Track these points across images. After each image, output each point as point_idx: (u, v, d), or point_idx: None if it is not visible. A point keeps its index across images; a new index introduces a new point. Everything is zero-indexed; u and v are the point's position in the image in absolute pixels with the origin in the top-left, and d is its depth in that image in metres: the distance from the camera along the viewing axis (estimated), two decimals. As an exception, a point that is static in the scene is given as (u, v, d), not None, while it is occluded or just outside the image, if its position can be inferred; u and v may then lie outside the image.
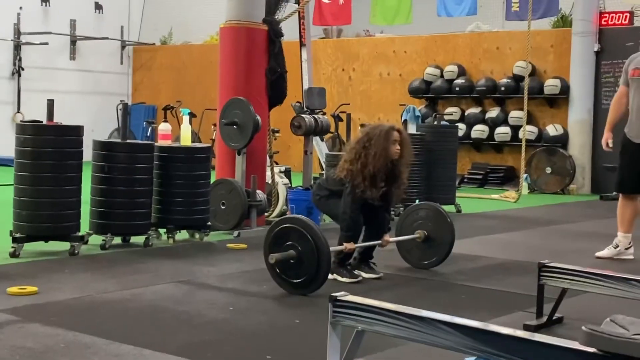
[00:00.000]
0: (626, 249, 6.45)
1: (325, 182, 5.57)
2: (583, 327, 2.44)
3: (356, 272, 5.44)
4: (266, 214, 7.82)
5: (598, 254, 6.48)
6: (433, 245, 5.77)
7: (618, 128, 6.48)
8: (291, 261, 4.80)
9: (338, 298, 2.93)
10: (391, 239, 5.57)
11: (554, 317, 4.22)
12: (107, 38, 17.00)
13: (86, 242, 6.14)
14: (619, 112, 6.47)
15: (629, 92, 6.33)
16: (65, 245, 5.92)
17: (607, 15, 12.87)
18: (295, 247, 4.79)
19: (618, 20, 12.69)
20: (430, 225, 5.77)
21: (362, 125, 10.93)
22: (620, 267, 5.90)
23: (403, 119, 12.61)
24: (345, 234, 5.27)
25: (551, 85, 13.05)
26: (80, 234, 5.98)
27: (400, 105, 13.76)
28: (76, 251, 5.87)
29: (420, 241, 5.78)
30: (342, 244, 5.24)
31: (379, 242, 5.45)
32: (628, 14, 12.67)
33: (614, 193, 6.56)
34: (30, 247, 5.90)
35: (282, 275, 4.86)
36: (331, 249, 4.89)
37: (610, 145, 6.47)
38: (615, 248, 6.45)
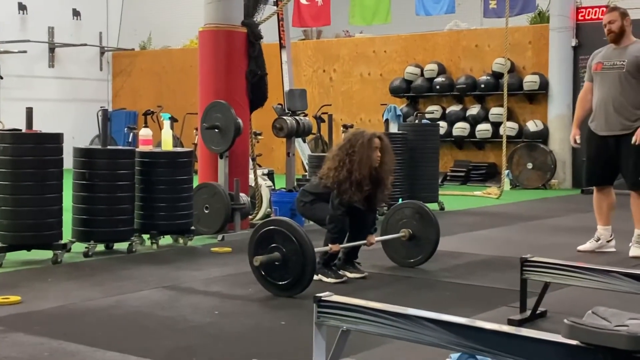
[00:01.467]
0: (607, 241, 6.51)
1: (310, 187, 5.59)
2: (565, 320, 2.46)
3: (341, 272, 5.45)
4: (250, 216, 7.81)
5: (580, 247, 6.53)
6: (418, 243, 5.79)
7: (585, 124, 6.55)
8: (276, 263, 4.80)
9: (322, 298, 2.93)
10: (376, 239, 5.59)
11: (538, 311, 4.24)
12: (85, 44, 16.93)
13: (69, 250, 6.11)
14: (585, 108, 6.54)
15: (593, 86, 6.41)
16: (48, 254, 5.89)
17: (583, 10, 12.96)
18: (279, 249, 4.80)
19: (595, 15, 12.78)
20: (415, 224, 5.79)
21: (344, 127, 11.00)
22: (602, 260, 5.95)
23: (385, 119, 12.60)
24: (331, 235, 5.28)
25: (530, 81, 13.13)
26: (62, 242, 5.96)
27: (382, 104, 13.79)
28: (59, 259, 5.85)
29: (405, 240, 5.80)
30: (328, 245, 5.26)
31: (364, 242, 5.47)
32: (604, 9, 12.71)
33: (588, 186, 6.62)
34: (12, 256, 5.87)
35: (267, 277, 4.86)
36: (316, 250, 4.90)
37: (578, 141, 6.55)
38: (596, 241, 6.50)
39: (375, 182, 5.33)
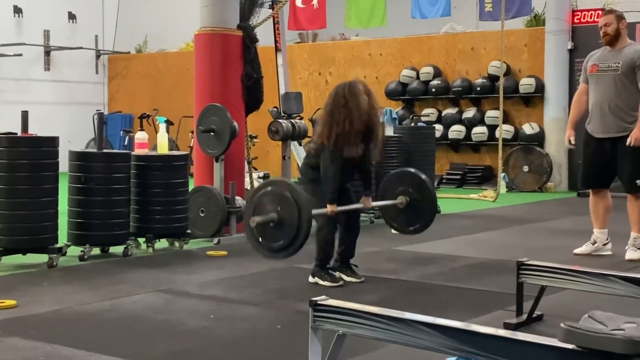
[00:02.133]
0: (604, 244, 6.51)
1: (307, 158, 5.50)
2: (562, 324, 2.45)
3: (337, 274, 5.45)
4: (246, 220, 7.79)
5: (576, 251, 6.53)
6: (416, 210, 5.76)
7: (580, 125, 6.55)
8: (271, 224, 4.74)
9: (318, 302, 2.93)
10: (373, 203, 5.54)
11: (534, 315, 4.24)
12: (81, 48, 16.89)
13: (64, 254, 6.09)
14: (580, 109, 6.55)
15: (589, 88, 6.42)
16: (43, 258, 5.87)
17: (579, 13, 12.98)
18: (276, 210, 4.74)
19: (591, 18, 12.80)
20: (412, 192, 5.76)
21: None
22: (599, 263, 5.94)
23: (380, 121, 12.63)
24: (330, 194, 5.18)
25: (526, 84, 13.14)
26: (58, 245, 5.94)
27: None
28: (54, 263, 5.83)
29: (402, 207, 5.77)
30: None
31: (360, 205, 5.44)
32: (600, 12, 12.75)
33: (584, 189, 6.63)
34: (7, 260, 5.85)
35: (261, 240, 4.79)
36: (314, 211, 4.85)
37: (573, 142, 6.55)
38: (592, 244, 6.50)
39: (367, 134, 5.23)
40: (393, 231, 7.81)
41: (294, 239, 4.70)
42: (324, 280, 5.26)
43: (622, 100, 6.21)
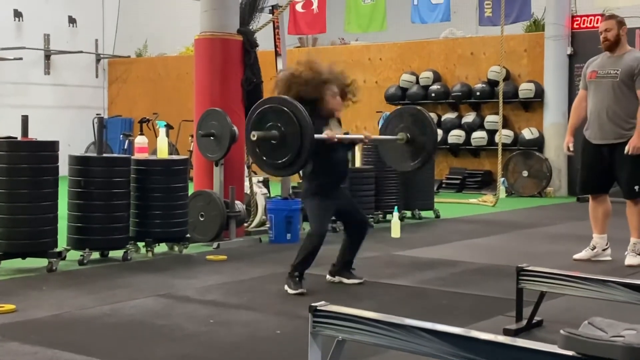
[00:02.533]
0: (603, 250, 6.51)
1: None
2: (561, 331, 2.45)
3: (337, 278, 5.45)
4: (245, 224, 7.80)
5: (576, 256, 6.53)
6: (416, 147, 5.76)
7: (579, 132, 6.56)
8: (272, 142, 4.75)
9: (318, 308, 2.93)
10: (373, 137, 5.55)
11: (534, 321, 4.24)
12: (81, 52, 16.92)
13: (64, 258, 6.09)
14: (579, 116, 6.55)
15: (588, 94, 6.42)
16: (42, 262, 5.87)
17: (579, 18, 13.00)
18: (278, 128, 4.74)
19: (590, 23, 12.82)
20: (413, 129, 5.76)
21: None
22: (598, 269, 5.95)
23: (380, 126, 12.65)
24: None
25: (526, 89, 13.15)
26: (57, 250, 5.94)
27: (377, 112, 13.81)
28: (54, 267, 5.83)
29: (402, 143, 5.77)
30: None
31: (361, 136, 5.42)
32: (600, 17, 12.78)
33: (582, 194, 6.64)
34: (7, 264, 5.85)
35: (263, 156, 4.83)
36: (316, 136, 4.85)
37: (572, 148, 6.55)
38: (592, 250, 6.50)
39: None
40: (393, 234, 7.82)
41: (299, 152, 4.69)
42: (288, 287, 5.16)
43: (620, 107, 6.21)
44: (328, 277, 5.51)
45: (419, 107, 5.98)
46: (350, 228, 5.48)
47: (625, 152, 6.09)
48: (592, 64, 6.48)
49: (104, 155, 6.47)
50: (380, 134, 5.93)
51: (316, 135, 4.89)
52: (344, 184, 5.58)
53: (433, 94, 13.96)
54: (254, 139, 4.75)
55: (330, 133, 5.08)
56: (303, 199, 5.48)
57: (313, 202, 5.28)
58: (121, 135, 15.76)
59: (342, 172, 5.45)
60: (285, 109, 4.76)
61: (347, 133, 5.51)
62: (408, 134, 5.73)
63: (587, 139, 6.40)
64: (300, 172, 5.46)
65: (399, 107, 6.15)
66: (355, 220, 5.47)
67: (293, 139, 4.72)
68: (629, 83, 6.19)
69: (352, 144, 5.54)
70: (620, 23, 6.34)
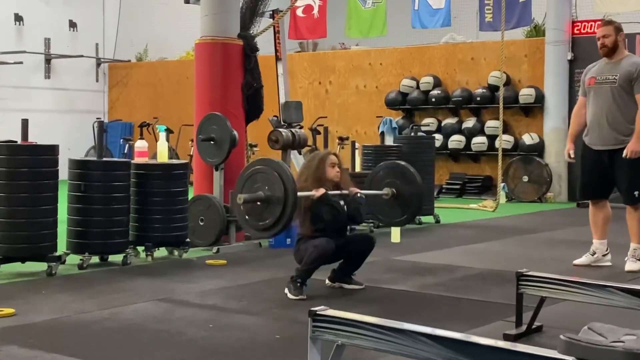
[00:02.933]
0: (603, 255, 6.50)
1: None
2: (561, 336, 2.45)
3: (337, 284, 5.45)
4: (245, 229, 7.80)
5: (576, 261, 6.52)
6: (403, 202, 5.80)
7: (580, 138, 6.55)
8: (258, 203, 4.86)
9: (318, 312, 2.92)
10: (360, 192, 5.56)
11: (534, 326, 4.23)
12: (82, 56, 16.92)
13: (63, 262, 6.08)
14: (579, 123, 6.54)
15: (587, 101, 6.42)
16: (42, 266, 5.87)
17: (579, 23, 13.01)
18: (263, 189, 4.86)
19: (590, 29, 12.81)
20: (398, 183, 5.79)
21: (340, 139, 10.98)
22: (598, 274, 5.94)
23: (380, 131, 12.64)
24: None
25: (526, 94, 13.15)
26: (57, 254, 5.94)
27: (377, 117, 13.81)
28: (53, 271, 5.82)
29: (388, 198, 5.79)
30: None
31: (346, 191, 5.43)
32: (600, 22, 12.79)
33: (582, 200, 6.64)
34: (6, 268, 5.84)
35: (248, 218, 4.95)
36: (300, 194, 4.96)
37: (572, 156, 6.54)
38: (592, 255, 6.49)
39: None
40: (393, 239, 7.82)
41: (279, 217, 4.81)
42: (289, 291, 5.17)
43: (619, 113, 6.21)
44: (328, 282, 5.50)
45: (403, 163, 6.04)
46: (351, 256, 5.46)
47: (624, 155, 6.08)
48: (590, 70, 6.48)
49: (104, 159, 6.48)
50: (365, 187, 5.97)
51: (304, 193, 5.06)
52: (343, 236, 5.51)
53: (433, 99, 13.96)
54: (240, 202, 4.90)
55: (316, 193, 5.19)
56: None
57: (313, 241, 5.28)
58: (121, 140, 15.75)
59: (338, 222, 5.42)
60: (275, 172, 4.88)
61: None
62: (394, 189, 5.77)
63: (587, 144, 6.40)
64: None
65: (382, 163, 6.20)
66: (356, 249, 5.47)
67: (277, 202, 4.85)
68: (627, 88, 6.19)
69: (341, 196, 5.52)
70: (618, 29, 6.34)
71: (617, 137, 6.21)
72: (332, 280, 5.49)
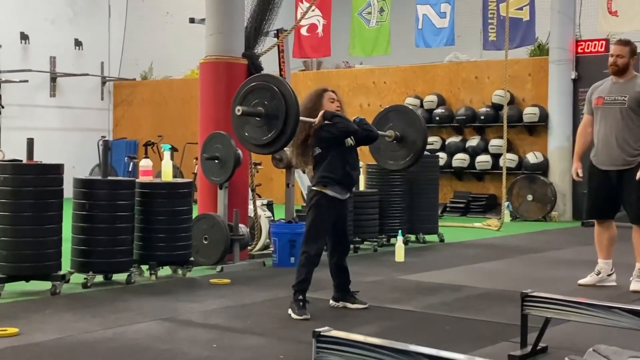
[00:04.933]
0: (608, 275, 6.48)
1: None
2: (566, 358, 2.44)
3: (341, 303, 5.44)
4: (249, 247, 7.79)
5: (580, 281, 6.50)
6: (405, 145, 5.77)
7: (586, 156, 6.55)
8: (257, 119, 4.78)
9: (322, 334, 2.92)
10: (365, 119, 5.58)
11: (539, 347, 4.21)
12: (87, 74, 17.01)
13: (68, 281, 6.08)
14: (585, 142, 6.54)
15: (594, 120, 6.41)
16: (46, 285, 5.86)
17: (583, 43, 13.04)
18: (264, 105, 4.77)
19: (594, 48, 12.86)
20: (402, 126, 5.77)
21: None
22: (603, 294, 5.92)
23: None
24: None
25: (530, 113, 13.17)
26: (61, 272, 5.94)
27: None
28: (57, 290, 5.82)
29: (391, 140, 5.75)
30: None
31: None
32: (604, 42, 12.84)
33: (589, 219, 6.61)
34: (10, 287, 5.84)
35: (247, 134, 4.87)
36: (302, 118, 4.89)
37: (580, 175, 6.53)
38: (597, 275, 6.47)
39: None
40: (397, 258, 7.80)
41: (280, 133, 4.72)
42: (292, 311, 5.15)
43: (629, 134, 6.20)
44: (332, 302, 5.49)
45: (405, 105, 6.03)
46: (333, 245, 5.46)
47: (638, 177, 6.06)
48: (597, 89, 6.46)
49: (109, 178, 6.49)
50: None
51: (306, 119, 4.95)
52: (351, 194, 5.55)
53: (437, 118, 13.98)
54: (239, 113, 4.76)
55: (319, 119, 5.12)
56: (308, 205, 5.44)
57: (315, 213, 5.27)
58: (126, 158, 15.80)
59: (353, 174, 5.38)
60: (273, 85, 4.78)
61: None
62: (397, 132, 5.71)
63: (595, 164, 6.38)
64: (312, 167, 5.41)
65: (385, 107, 6.12)
66: (340, 242, 5.47)
67: (277, 115, 4.73)
68: (636, 109, 6.19)
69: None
70: (633, 52, 6.31)
71: (625, 158, 6.20)
72: (335, 300, 5.48)
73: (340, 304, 5.44)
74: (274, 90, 4.76)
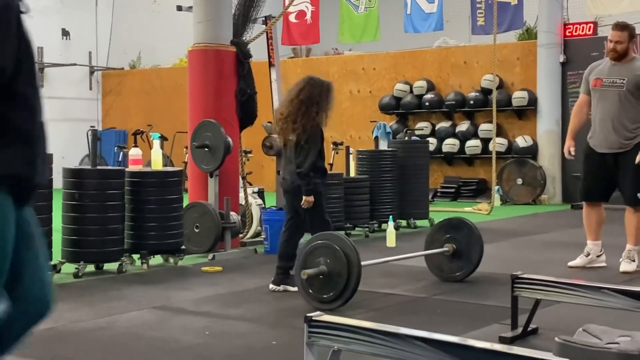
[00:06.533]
0: (597, 256, 6.50)
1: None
2: (556, 338, 2.46)
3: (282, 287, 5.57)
4: (240, 235, 7.80)
5: (570, 263, 6.53)
6: (462, 258, 5.90)
7: (579, 136, 6.56)
8: (320, 277, 4.88)
9: (313, 318, 2.92)
10: (421, 253, 5.91)
11: (529, 328, 4.24)
12: (75, 64, 16.92)
13: (59, 271, 6.08)
14: (580, 120, 6.54)
15: (592, 101, 6.40)
16: (37, 275, 5.84)
17: (571, 26, 13.05)
18: (326, 263, 4.90)
19: (582, 31, 12.87)
20: (459, 239, 5.89)
21: (334, 144, 10.99)
22: (593, 276, 5.95)
23: (374, 136, 12.66)
24: (307, 188, 5.41)
25: (519, 97, 13.19)
26: (52, 262, 5.93)
27: (371, 122, 13.83)
28: (49, 280, 5.81)
29: (449, 255, 5.88)
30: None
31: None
32: (592, 25, 12.87)
33: (582, 202, 6.61)
34: (2, 278, 5.82)
35: (310, 290, 4.96)
36: (363, 263, 4.99)
37: (572, 153, 6.53)
38: (586, 257, 6.50)
39: None
40: (388, 244, 7.82)
41: (342, 291, 4.85)
42: (294, 286, 5.28)
43: (627, 117, 6.19)
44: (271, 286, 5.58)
45: (465, 219, 6.11)
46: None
47: (637, 162, 6.06)
48: (595, 69, 6.40)
49: (98, 167, 6.47)
50: (426, 244, 6.11)
51: (365, 262, 5.12)
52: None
53: (427, 103, 13.99)
54: (304, 277, 4.91)
55: (307, 199, 5.43)
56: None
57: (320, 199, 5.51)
58: (115, 148, 15.73)
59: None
60: (335, 246, 4.93)
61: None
62: (454, 245, 5.84)
63: (592, 147, 6.38)
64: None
65: (445, 219, 6.23)
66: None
67: (340, 274, 4.89)
68: (635, 93, 6.17)
69: None
70: (632, 36, 6.25)
71: (622, 141, 6.20)
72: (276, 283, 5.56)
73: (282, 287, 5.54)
74: (335, 250, 4.94)
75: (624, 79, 6.19)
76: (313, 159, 5.37)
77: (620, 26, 6.33)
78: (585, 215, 6.52)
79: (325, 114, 5.45)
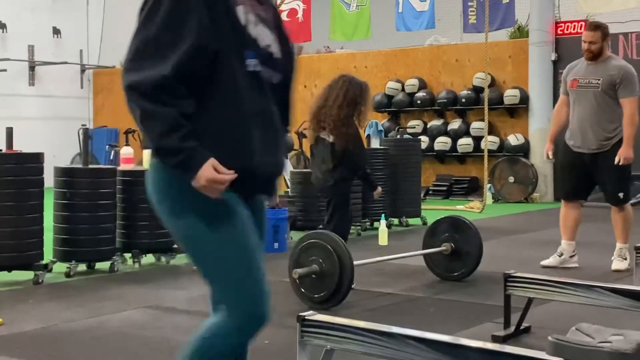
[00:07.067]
0: (570, 257, 6.46)
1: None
2: (549, 337, 2.46)
3: None
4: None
5: (543, 262, 6.50)
6: (460, 257, 5.90)
7: (560, 137, 6.57)
8: (313, 276, 4.89)
9: (306, 317, 2.92)
10: (419, 252, 5.98)
11: (522, 327, 4.25)
12: (66, 62, 16.86)
13: (50, 271, 6.05)
14: (560, 122, 6.54)
15: (569, 101, 6.40)
16: (29, 275, 5.83)
17: (562, 24, 13.08)
18: (318, 262, 4.90)
19: (574, 29, 12.90)
20: (457, 238, 5.89)
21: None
22: (585, 274, 5.96)
23: (366, 134, 12.66)
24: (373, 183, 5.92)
25: (511, 95, 13.21)
26: (44, 262, 5.91)
27: (363, 120, 13.82)
28: (40, 280, 5.79)
29: (447, 254, 5.86)
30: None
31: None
32: (583, 23, 12.87)
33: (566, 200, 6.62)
34: (-7, 277, 5.81)
35: (302, 289, 4.97)
36: (356, 262, 5.01)
37: (551, 156, 6.55)
38: (559, 256, 6.47)
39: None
40: (381, 242, 7.82)
41: (335, 291, 4.85)
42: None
43: (603, 117, 6.19)
44: None
45: (460, 216, 6.12)
46: None
47: (616, 162, 6.06)
48: (572, 70, 6.41)
49: (90, 166, 6.45)
50: (423, 243, 6.13)
51: (357, 262, 5.16)
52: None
53: (419, 101, 14.00)
54: (295, 277, 4.92)
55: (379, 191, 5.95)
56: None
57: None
58: (107, 146, 15.69)
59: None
60: (328, 245, 4.92)
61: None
62: (452, 244, 5.82)
63: (569, 145, 6.39)
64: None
65: (443, 217, 6.24)
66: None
67: (332, 273, 4.89)
68: (610, 93, 6.17)
69: None
70: (605, 35, 6.25)
71: (599, 142, 6.20)
72: None
73: None
74: (327, 250, 4.93)
75: (599, 80, 6.18)
76: (363, 159, 5.76)
77: (593, 26, 6.34)
78: (562, 214, 6.51)
79: (365, 115, 5.63)
